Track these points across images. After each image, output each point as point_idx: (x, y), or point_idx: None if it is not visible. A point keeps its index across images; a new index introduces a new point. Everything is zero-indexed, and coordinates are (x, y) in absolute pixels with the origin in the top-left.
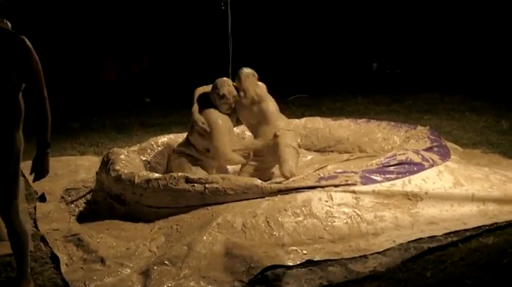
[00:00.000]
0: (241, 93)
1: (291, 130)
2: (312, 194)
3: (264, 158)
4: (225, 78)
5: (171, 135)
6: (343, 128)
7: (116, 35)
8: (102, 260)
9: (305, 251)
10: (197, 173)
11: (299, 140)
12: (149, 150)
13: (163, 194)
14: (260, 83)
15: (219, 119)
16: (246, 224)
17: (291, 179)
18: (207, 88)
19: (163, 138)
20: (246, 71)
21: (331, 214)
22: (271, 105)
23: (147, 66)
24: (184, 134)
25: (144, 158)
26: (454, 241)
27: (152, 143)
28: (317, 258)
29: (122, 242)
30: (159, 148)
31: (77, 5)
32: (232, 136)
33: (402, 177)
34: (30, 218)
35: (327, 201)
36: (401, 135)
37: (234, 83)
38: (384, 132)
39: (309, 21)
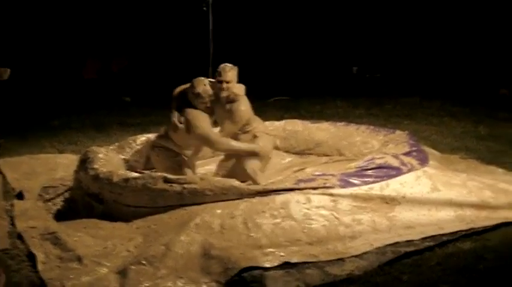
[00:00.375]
0: (224, 85)
1: (269, 134)
2: (290, 196)
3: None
4: (201, 78)
5: (150, 135)
6: (322, 131)
7: (98, 33)
8: (79, 259)
9: (282, 253)
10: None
11: (278, 143)
12: (128, 149)
13: (141, 194)
14: (238, 84)
15: (198, 113)
16: (223, 225)
17: (269, 181)
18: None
19: (142, 137)
20: (230, 65)
21: (309, 216)
22: (243, 105)
23: (124, 66)
24: None
25: (122, 157)
26: (430, 246)
27: (131, 141)
28: (294, 260)
29: (99, 241)
30: (138, 147)
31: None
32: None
33: (380, 181)
34: (8, 215)
35: (304, 203)
36: (380, 139)
37: (214, 79)
38: (362, 136)
39: (290, 23)
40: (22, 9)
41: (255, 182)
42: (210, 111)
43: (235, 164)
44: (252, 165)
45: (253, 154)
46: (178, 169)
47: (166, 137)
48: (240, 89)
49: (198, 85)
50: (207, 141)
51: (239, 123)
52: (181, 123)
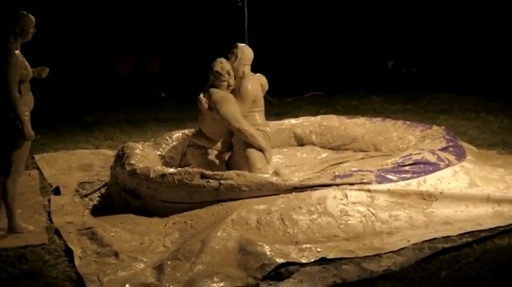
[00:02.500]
0: (238, 57)
1: (262, 130)
2: (327, 192)
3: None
4: (218, 58)
5: (186, 131)
6: (359, 126)
7: (133, 30)
8: (116, 254)
9: (319, 249)
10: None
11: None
12: (164, 144)
13: (178, 189)
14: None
15: (222, 93)
16: (260, 221)
17: (306, 177)
18: None
19: (178, 134)
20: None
21: (346, 212)
22: (250, 83)
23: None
24: None
25: (158, 153)
26: (468, 242)
27: (167, 137)
28: (331, 256)
29: (136, 237)
30: (174, 143)
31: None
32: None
33: (417, 177)
34: (45, 211)
35: (341, 199)
36: (416, 134)
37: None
38: (399, 131)
39: (326, 19)
40: (59, 7)
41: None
42: (231, 90)
43: (237, 154)
44: (256, 155)
45: (260, 148)
46: (209, 165)
47: (198, 135)
48: (248, 68)
49: (215, 65)
50: (232, 120)
51: (246, 101)
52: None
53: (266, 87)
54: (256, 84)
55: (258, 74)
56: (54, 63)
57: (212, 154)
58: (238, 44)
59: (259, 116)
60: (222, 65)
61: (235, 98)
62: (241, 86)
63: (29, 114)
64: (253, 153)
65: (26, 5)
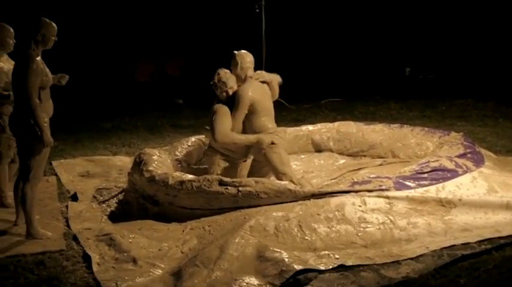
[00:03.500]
0: (238, 64)
1: (276, 132)
2: (346, 198)
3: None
4: (218, 69)
5: (202, 136)
6: (376, 132)
7: (151, 36)
8: (134, 260)
9: (337, 256)
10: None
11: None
12: (180, 148)
13: (196, 196)
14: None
15: (218, 107)
16: (278, 227)
17: (324, 183)
18: None
19: (194, 139)
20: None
21: (364, 219)
22: (248, 87)
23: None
24: None
25: (175, 157)
26: (488, 249)
27: (183, 142)
28: (349, 263)
29: (154, 243)
30: (190, 148)
31: (113, 6)
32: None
33: (436, 183)
34: (63, 217)
35: (360, 206)
36: (434, 141)
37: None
38: (417, 137)
39: (343, 26)
40: (78, 14)
41: (284, 173)
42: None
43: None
44: (277, 159)
45: (256, 144)
46: (221, 169)
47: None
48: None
49: (214, 76)
50: (213, 132)
51: (241, 105)
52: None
53: (277, 88)
54: (256, 88)
55: (273, 73)
56: (73, 69)
57: (228, 162)
58: (235, 52)
59: (268, 121)
60: (219, 76)
61: (233, 105)
62: (239, 91)
63: (48, 121)
64: (273, 158)
65: (47, 12)
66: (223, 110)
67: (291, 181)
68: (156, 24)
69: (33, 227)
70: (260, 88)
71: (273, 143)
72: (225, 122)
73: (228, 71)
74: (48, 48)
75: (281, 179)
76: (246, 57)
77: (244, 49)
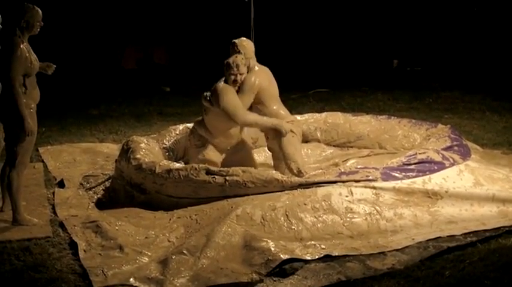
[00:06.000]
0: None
1: (294, 122)
2: (333, 188)
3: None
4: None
5: (190, 124)
6: (364, 124)
7: (137, 23)
8: (121, 248)
9: (323, 246)
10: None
11: (319, 135)
12: (168, 137)
13: (183, 185)
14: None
15: (225, 86)
16: (265, 217)
17: (311, 173)
18: None
19: (181, 127)
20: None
21: (351, 209)
22: (254, 76)
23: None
24: None
25: (163, 146)
26: (473, 241)
27: (171, 130)
28: (335, 253)
29: (141, 230)
30: (178, 136)
31: None
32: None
33: (423, 175)
34: (49, 203)
35: (347, 196)
36: (421, 133)
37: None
38: (404, 129)
39: (331, 16)
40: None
41: (294, 161)
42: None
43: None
44: (292, 146)
45: (277, 129)
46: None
47: (200, 124)
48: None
49: (230, 57)
50: (231, 113)
51: (248, 94)
52: (209, 99)
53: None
54: (263, 77)
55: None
56: (59, 56)
57: (207, 150)
58: (235, 41)
59: (280, 108)
60: (235, 58)
61: (239, 92)
62: (245, 79)
63: (35, 107)
64: (289, 145)
65: None
66: (231, 90)
67: (298, 169)
68: (144, 11)
69: (19, 214)
70: (266, 77)
71: (292, 131)
72: (239, 102)
73: (244, 57)
74: (35, 33)
75: (289, 166)
76: (249, 46)
77: (232, 38)
